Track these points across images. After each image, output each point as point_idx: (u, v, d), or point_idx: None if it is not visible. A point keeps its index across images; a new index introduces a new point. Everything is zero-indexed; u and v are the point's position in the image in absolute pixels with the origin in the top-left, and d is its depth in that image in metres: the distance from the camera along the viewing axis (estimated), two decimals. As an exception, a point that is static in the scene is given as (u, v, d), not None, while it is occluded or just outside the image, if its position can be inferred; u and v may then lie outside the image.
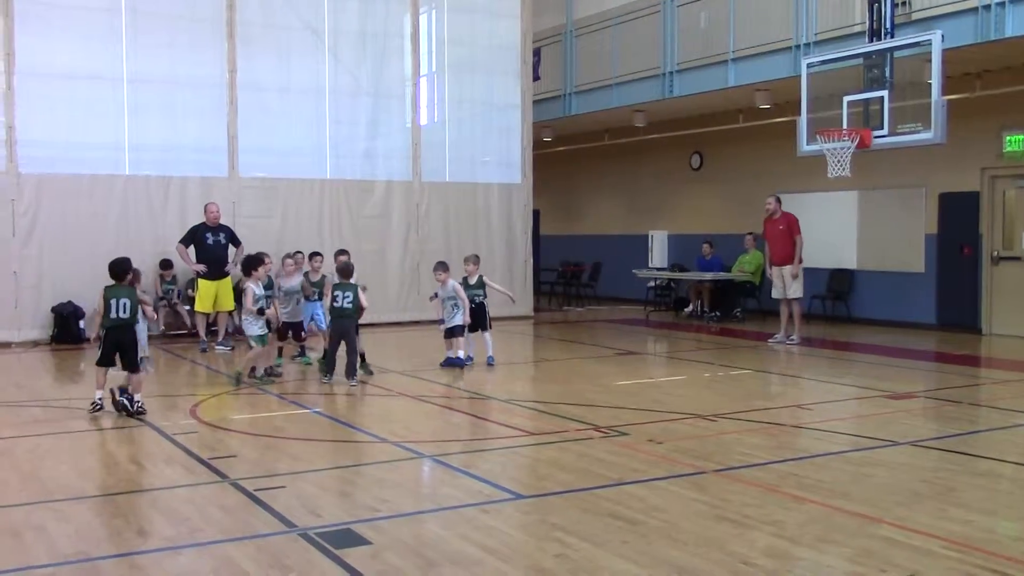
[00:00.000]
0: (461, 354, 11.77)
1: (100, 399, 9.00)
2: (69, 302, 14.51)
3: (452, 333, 11.82)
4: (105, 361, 8.96)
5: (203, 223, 14.38)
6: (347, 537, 5.39)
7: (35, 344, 14.43)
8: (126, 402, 8.90)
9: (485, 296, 12.31)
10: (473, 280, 12.21)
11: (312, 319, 12.26)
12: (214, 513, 5.98)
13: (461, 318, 11.71)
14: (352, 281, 10.88)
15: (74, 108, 14.96)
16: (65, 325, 14.45)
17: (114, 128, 15.32)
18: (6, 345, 14.23)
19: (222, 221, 14.61)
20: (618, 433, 8.13)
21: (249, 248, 14.04)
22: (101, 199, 15.06)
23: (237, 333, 13.62)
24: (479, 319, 12.10)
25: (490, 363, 12.08)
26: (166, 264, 15.15)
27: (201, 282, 13.99)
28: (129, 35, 15.36)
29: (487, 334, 12.25)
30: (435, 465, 7.30)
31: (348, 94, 17.25)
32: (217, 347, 13.81)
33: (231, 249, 14.35)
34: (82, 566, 5.03)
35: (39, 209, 14.67)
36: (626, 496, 6.22)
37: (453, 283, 11.80)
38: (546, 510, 5.98)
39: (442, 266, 11.96)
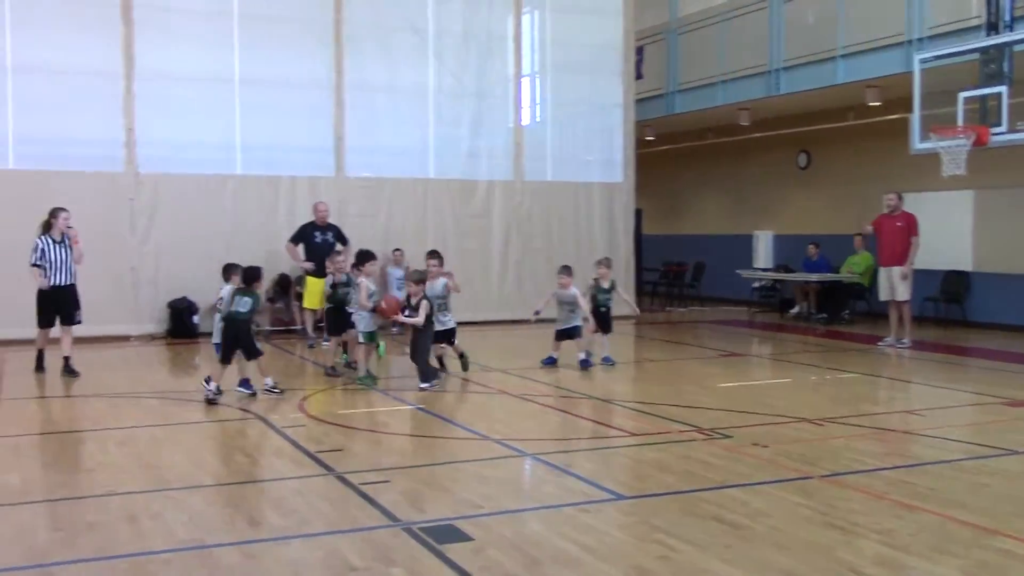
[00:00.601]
0: (583, 355, 11.73)
1: (214, 389, 9.52)
2: (184, 298, 15.04)
3: (565, 335, 11.84)
4: (226, 360, 9.70)
5: (312, 222, 14.74)
6: (450, 533, 5.46)
7: (152, 338, 14.98)
8: (258, 389, 9.80)
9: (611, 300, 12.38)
10: (606, 284, 12.26)
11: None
12: (321, 505, 6.12)
13: (578, 320, 11.74)
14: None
15: (189, 110, 15.48)
16: (180, 320, 14.98)
17: (226, 129, 15.81)
18: (124, 338, 14.80)
19: (329, 220, 14.93)
20: (721, 435, 8.03)
21: (355, 247, 14.27)
22: (214, 198, 15.55)
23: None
24: (604, 323, 12.20)
25: (607, 362, 12.06)
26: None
27: (309, 279, 14.33)
28: (240, 38, 15.83)
29: (606, 337, 12.29)
30: (536, 463, 7.33)
31: (451, 94, 17.43)
32: (324, 343, 14.09)
33: (339, 248, 14.62)
34: (197, 553, 5.20)
35: (156, 208, 15.22)
36: (729, 500, 6.14)
37: (575, 290, 11.81)
38: (648, 511, 5.95)
39: (567, 270, 11.94)
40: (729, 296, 21.40)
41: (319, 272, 14.19)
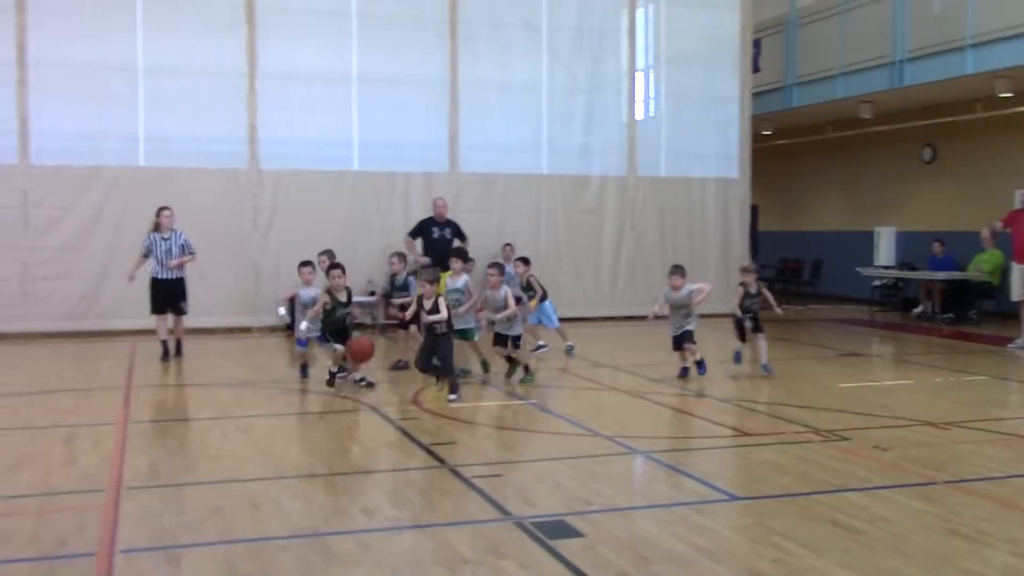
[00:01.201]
0: (697, 356, 10.82)
1: (334, 372, 10.13)
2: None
3: (683, 340, 10.77)
4: (326, 340, 10.24)
5: (431, 217, 14.96)
6: (561, 528, 5.46)
7: (272, 330, 15.41)
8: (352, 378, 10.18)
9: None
10: (753, 289, 11.17)
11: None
12: (434, 497, 6.20)
13: (692, 324, 10.71)
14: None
15: (308, 108, 15.87)
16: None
17: (344, 126, 16.16)
18: (246, 330, 15.28)
19: (448, 216, 15.12)
20: (839, 438, 7.82)
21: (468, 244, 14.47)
22: (332, 194, 15.90)
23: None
24: (755, 326, 11.20)
25: (765, 371, 11.04)
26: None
27: None
28: (358, 37, 16.15)
29: (761, 338, 11.20)
30: (648, 462, 7.27)
31: (564, 90, 17.42)
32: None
33: (457, 243, 14.78)
34: (313, 540, 5.32)
35: (277, 203, 15.65)
36: (848, 504, 5.97)
37: (689, 289, 10.71)
38: (763, 513, 5.83)
39: (679, 271, 10.87)
40: (849, 294, 20.82)
41: (439, 267, 14.34)
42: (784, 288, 21.92)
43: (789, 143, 22.31)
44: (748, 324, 11.15)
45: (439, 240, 14.64)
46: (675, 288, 10.77)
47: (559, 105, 17.41)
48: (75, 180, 14.70)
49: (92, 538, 5.32)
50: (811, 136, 21.68)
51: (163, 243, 12.34)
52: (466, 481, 6.49)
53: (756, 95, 19.24)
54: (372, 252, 15.57)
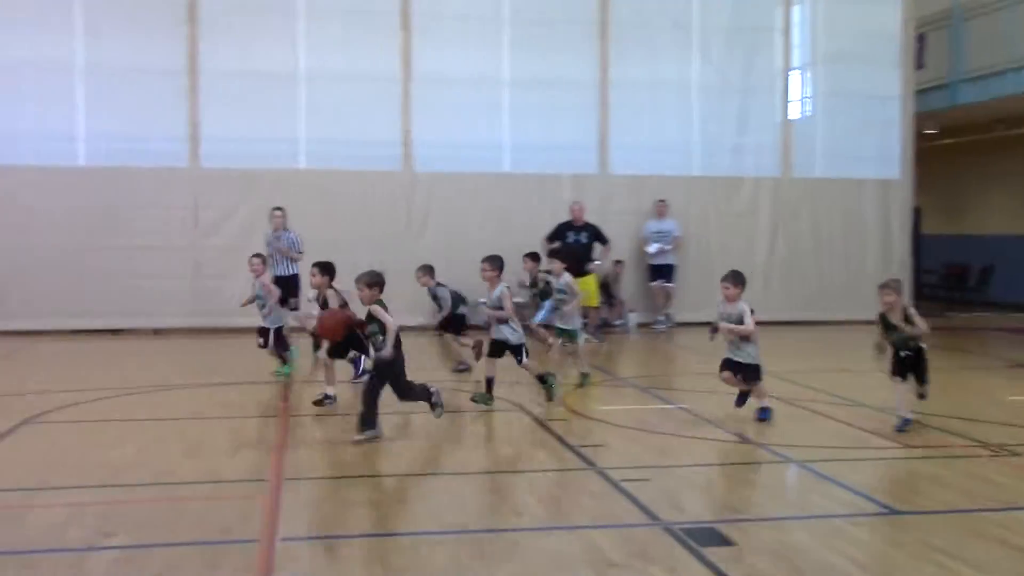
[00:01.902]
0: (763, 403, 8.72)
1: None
2: (456, 292, 15.66)
3: (738, 372, 8.65)
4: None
5: (568, 221, 14.94)
6: (710, 536, 5.37)
7: (423, 328, 15.70)
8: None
9: None
10: (896, 318, 8.14)
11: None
12: (582, 499, 6.21)
13: (751, 356, 8.62)
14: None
15: (461, 111, 16.16)
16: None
17: (495, 129, 16.38)
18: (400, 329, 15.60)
19: (593, 218, 15.08)
20: (1010, 453, 7.42)
21: (618, 245, 14.40)
22: (484, 196, 16.11)
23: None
24: (914, 368, 8.56)
25: (905, 425, 8.27)
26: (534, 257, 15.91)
27: None
28: (510, 41, 16.34)
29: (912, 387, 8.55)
30: (802, 471, 7.07)
31: (716, 90, 17.15)
32: (590, 339, 14.20)
33: (598, 247, 14.72)
34: (462, 537, 5.41)
35: (430, 205, 15.98)
36: (1018, 523, 5.66)
37: (744, 307, 8.60)
38: (924, 529, 5.59)
39: (733, 278, 8.72)
40: (1021, 302, 19.70)
41: (573, 271, 14.26)
42: (948, 295, 20.95)
43: (955, 142, 21.29)
44: (901, 358, 8.26)
45: (575, 244, 14.55)
46: (728, 300, 8.58)
47: (711, 105, 17.15)
48: (239, 182, 15.38)
49: (255, 526, 5.56)
50: (979, 135, 20.61)
51: (274, 242, 12.90)
52: (614, 484, 6.46)
53: (919, 92, 18.44)
54: (519, 254, 15.69)
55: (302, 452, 7.45)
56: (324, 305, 9.51)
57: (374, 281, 7.96)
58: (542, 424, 8.45)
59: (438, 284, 11.77)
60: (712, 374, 10.55)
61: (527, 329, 10.36)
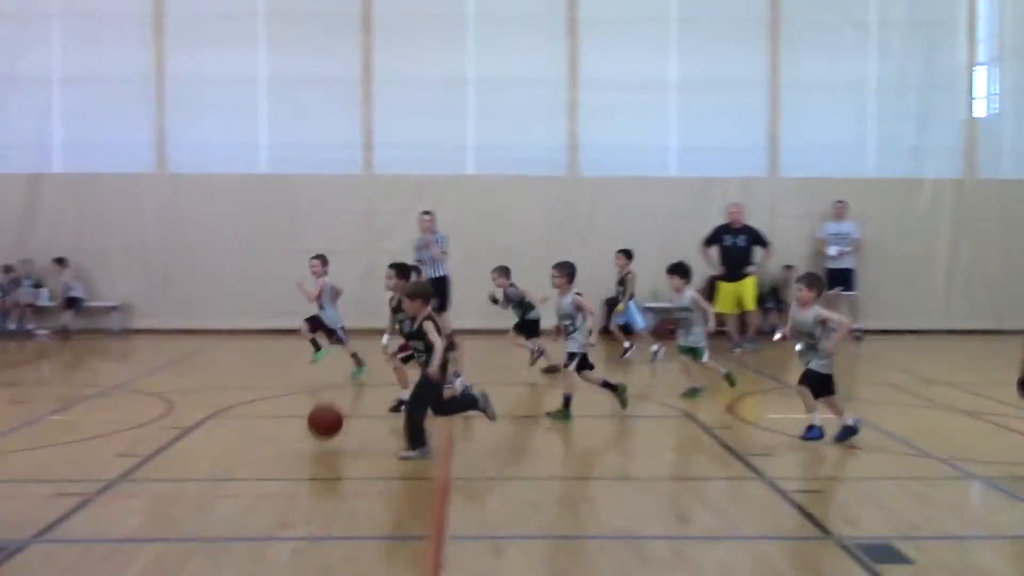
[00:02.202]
0: (849, 420, 8.03)
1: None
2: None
3: (809, 382, 7.94)
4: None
5: (726, 224, 14.49)
6: (887, 552, 5.15)
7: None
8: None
9: None
10: None
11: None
12: (750, 509, 6.08)
13: (820, 366, 7.89)
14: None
15: (626, 114, 16.12)
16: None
17: (661, 132, 16.28)
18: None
19: (761, 222, 14.71)
20: None
21: (788, 250, 13.99)
22: (649, 199, 16.00)
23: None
24: None
25: None
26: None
27: (719, 283, 14.16)
28: (677, 42, 16.20)
29: None
30: (987, 488, 6.70)
31: (894, 88, 16.51)
32: (746, 346, 13.90)
33: (759, 251, 14.28)
34: (628, 543, 5.39)
35: (595, 209, 15.99)
36: None
37: (819, 311, 8.03)
38: None
39: (808, 281, 8.25)
40: None
41: (729, 276, 13.95)
42: None
43: None
44: None
45: (732, 248, 14.14)
46: (802, 304, 7.91)
47: (888, 104, 16.50)
48: (411, 188, 15.80)
49: (424, 523, 5.70)
50: None
51: (423, 246, 12.95)
52: (784, 495, 6.30)
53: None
54: (689, 258, 15.44)
55: (468, 453, 7.58)
56: (398, 309, 8.80)
57: (417, 293, 7.45)
58: (708, 431, 8.32)
59: (511, 285, 11.81)
60: (891, 385, 10.12)
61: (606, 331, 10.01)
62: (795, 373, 10.51)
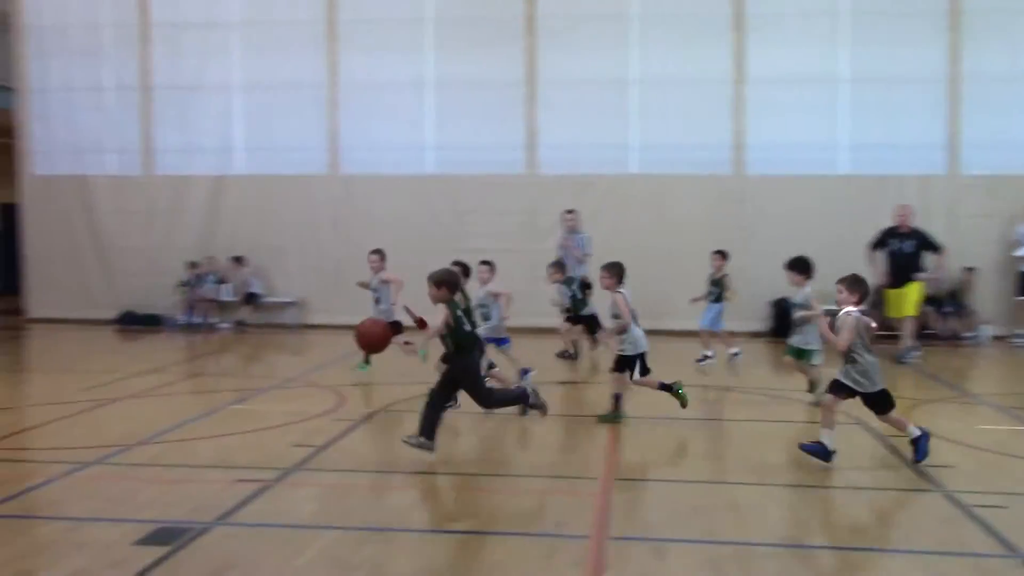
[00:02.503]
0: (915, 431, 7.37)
1: None
2: (784, 298, 15.22)
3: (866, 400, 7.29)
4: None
5: (893, 227, 13.60)
6: (1080, 574, 4.84)
7: (755, 335, 15.38)
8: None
9: None
10: None
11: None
12: (927, 522, 5.81)
13: (869, 380, 7.17)
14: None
15: (795, 111, 15.67)
16: (782, 319, 15.21)
17: (831, 128, 15.75)
18: (732, 335, 15.37)
19: (940, 222, 13.98)
20: None
21: (969, 251, 13.27)
22: (817, 199, 15.49)
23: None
24: None
25: None
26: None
27: (884, 290, 13.34)
28: (850, 36, 15.63)
29: None
30: None
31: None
32: (910, 354, 13.18)
33: (929, 256, 13.43)
34: (796, 552, 5.25)
35: (762, 209, 15.61)
36: None
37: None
38: None
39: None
40: None
41: (894, 283, 13.12)
42: None
43: None
44: None
45: (898, 253, 13.12)
46: (840, 304, 7.30)
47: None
48: (574, 187, 15.83)
49: (586, 522, 5.71)
50: None
51: (566, 244, 13.12)
52: (964, 509, 5.99)
53: None
54: (856, 262, 14.89)
55: (631, 453, 7.55)
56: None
57: (441, 279, 7.34)
58: (882, 440, 8.00)
59: (568, 279, 12.15)
60: None
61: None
62: (978, 384, 10.06)
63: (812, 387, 9.45)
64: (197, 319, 16.86)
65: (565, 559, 5.11)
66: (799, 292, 9.32)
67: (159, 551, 5.10)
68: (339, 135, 16.78)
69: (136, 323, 16.85)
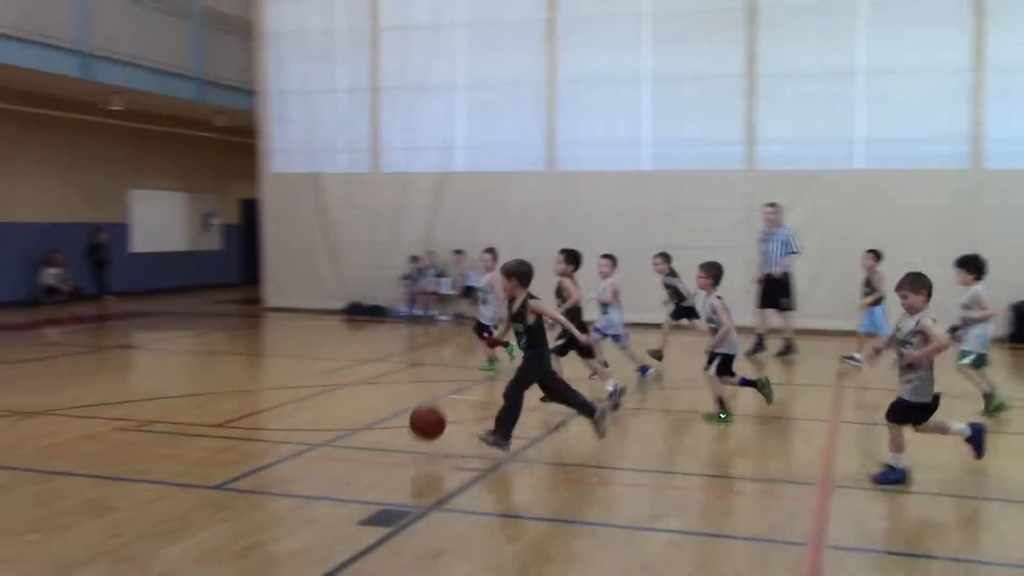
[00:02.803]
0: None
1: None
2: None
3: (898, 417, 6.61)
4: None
5: None
6: None
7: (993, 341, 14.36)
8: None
9: None
10: None
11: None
12: None
13: (912, 392, 6.48)
14: None
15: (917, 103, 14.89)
16: (1022, 323, 14.22)
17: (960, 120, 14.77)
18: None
19: None
20: None
21: None
22: None
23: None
24: None
25: None
26: None
27: None
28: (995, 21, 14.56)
29: None
30: None
31: None
32: None
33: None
34: (1033, 574, 4.89)
35: (1000, 205, 14.59)
36: None
37: (923, 319, 6.80)
38: None
39: (908, 281, 6.87)
40: None
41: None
42: None
43: None
44: None
45: None
46: (907, 309, 6.49)
47: None
48: (794, 183, 15.32)
49: (802, 529, 5.53)
50: None
51: (767, 240, 12.77)
52: None
53: None
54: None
55: (851, 459, 7.24)
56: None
57: (512, 271, 7.22)
58: None
59: (671, 273, 11.74)
60: None
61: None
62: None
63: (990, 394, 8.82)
64: (418, 311, 17.52)
65: (779, 566, 4.96)
66: (968, 292, 8.75)
67: (380, 531, 5.34)
68: (556, 132, 16.97)
69: (362, 313, 17.71)
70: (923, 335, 6.27)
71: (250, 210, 23.19)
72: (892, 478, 6.35)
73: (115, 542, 5.13)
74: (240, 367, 6.73)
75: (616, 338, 10.30)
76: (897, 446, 6.44)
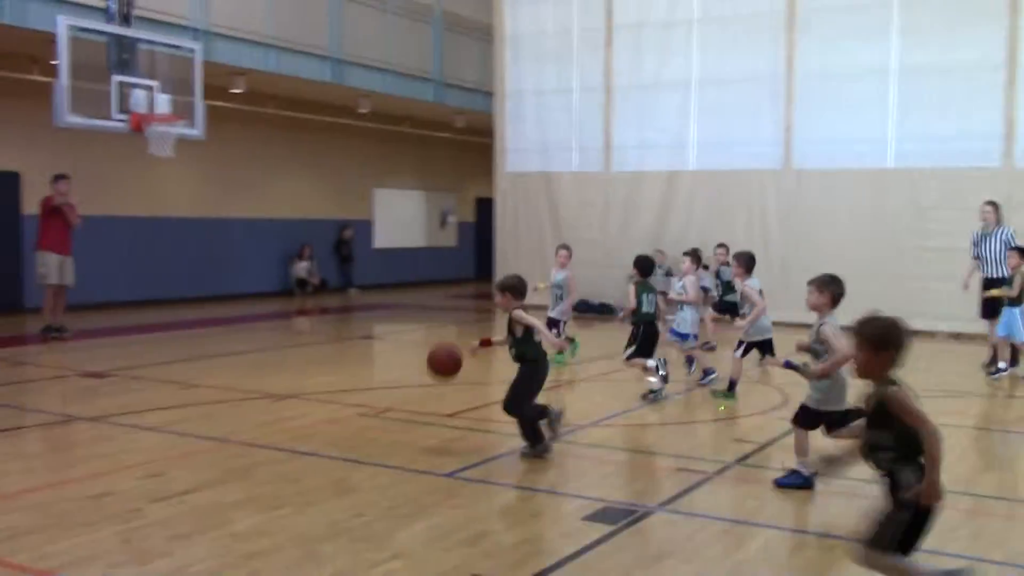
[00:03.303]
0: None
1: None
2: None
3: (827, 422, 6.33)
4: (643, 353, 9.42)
5: None
6: None
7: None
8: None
9: None
10: None
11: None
12: None
13: (818, 395, 6.24)
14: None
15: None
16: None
17: None
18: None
19: None
20: None
21: None
22: None
23: None
24: None
25: None
26: None
27: None
28: None
29: None
30: None
31: None
32: None
33: None
34: None
35: None
36: None
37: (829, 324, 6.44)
38: None
39: (815, 283, 6.75)
40: None
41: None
42: None
43: None
44: None
45: None
46: (809, 307, 6.34)
47: None
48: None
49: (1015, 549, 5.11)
50: None
51: (984, 240, 11.73)
52: None
53: None
54: None
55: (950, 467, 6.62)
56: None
57: (504, 286, 7.06)
58: None
59: (703, 268, 11.95)
60: None
61: None
62: None
63: None
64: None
65: None
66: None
67: (605, 528, 5.37)
68: (793, 128, 16.42)
69: (590, 311, 17.83)
70: (827, 343, 6.00)
71: (485, 208, 23.90)
72: (796, 482, 6.16)
73: (356, 521, 5.43)
74: (472, 360, 6.96)
75: (683, 337, 10.17)
76: (802, 450, 6.21)
